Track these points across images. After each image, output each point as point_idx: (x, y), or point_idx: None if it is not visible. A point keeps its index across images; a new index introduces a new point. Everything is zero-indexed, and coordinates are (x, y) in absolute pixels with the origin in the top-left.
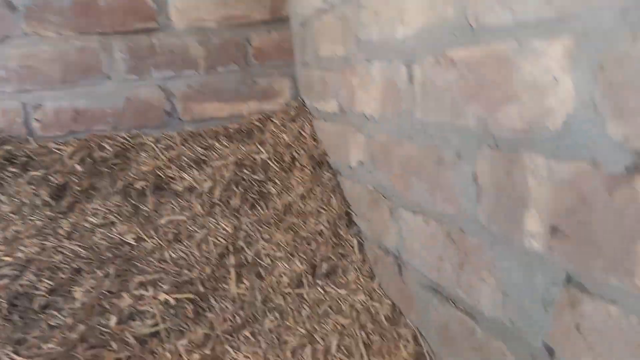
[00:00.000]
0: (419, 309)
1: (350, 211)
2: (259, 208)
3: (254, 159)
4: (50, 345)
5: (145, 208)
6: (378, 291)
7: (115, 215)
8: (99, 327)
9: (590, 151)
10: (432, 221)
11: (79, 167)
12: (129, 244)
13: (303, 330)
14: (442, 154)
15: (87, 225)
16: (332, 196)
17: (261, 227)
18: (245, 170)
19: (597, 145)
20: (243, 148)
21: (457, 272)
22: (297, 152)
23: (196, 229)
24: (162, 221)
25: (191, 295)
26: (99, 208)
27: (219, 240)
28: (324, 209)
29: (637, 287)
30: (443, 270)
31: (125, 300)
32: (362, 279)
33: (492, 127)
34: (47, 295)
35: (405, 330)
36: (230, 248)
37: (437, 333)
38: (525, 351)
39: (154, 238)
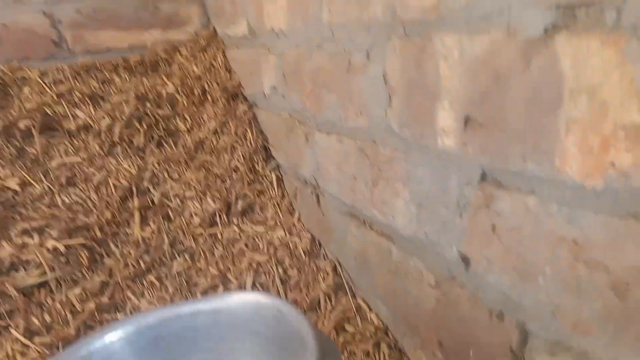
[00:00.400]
0: (337, 239)
1: (267, 145)
2: (166, 146)
3: (159, 92)
4: None
5: (32, 150)
6: (297, 225)
7: None
8: None
9: (504, 17)
10: (345, 139)
11: None
12: (11, 189)
13: (215, 271)
14: (351, 58)
15: None
16: (248, 130)
17: (169, 166)
18: (149, 105)
19: (512, 8)
20: (147, 82)
21: (371, 190)
22: (208, 85)
23: (94, 171)
24: (53, 164)
25: (85, 241)
26: None
27: (120, 182)
28: (239, 143)
29: (556, 168)
30: (358, 191)
31: (5, 250)
32: (281, 215)
33: (400, 13)
34: None
35: (324, 262)
36: (134, 190)
37: (356, 261)
38: (442, 266)
39: (43, 182)
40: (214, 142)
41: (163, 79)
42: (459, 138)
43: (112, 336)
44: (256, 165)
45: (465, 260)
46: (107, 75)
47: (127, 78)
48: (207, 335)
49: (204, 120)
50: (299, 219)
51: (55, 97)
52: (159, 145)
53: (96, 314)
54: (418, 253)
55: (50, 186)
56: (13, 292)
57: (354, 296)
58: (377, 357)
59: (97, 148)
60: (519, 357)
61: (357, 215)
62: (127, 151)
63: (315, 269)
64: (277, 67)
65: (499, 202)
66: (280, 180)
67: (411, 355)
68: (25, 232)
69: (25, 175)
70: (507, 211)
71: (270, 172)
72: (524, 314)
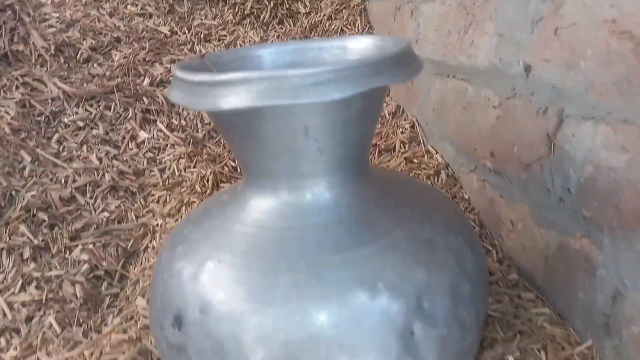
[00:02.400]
0: (420, 101)
1: (371, 32)
2: (286, 24)
3: None
4: (91, 86)
5: (180, 9)
6: (387, 98)
7: (153, 8)
8: (132, 83)
9: None
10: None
11: None
12: (163, 33)
13: None
14: None
15: (126, 11)
16: (358, 18)
17: (286, 40)
18: None
19: None
20: None
21: (461, 39)
22: None
23: (226, 34)
24: (195, 22)
25: None
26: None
27: (245, 45)
28: (347, 28)
29: None
30: (449, 44)
31: (158, 69)
32: None
33: None
34: (89, 51)
35: (404, 122)
36: None
37: (434, 111)
38: (506, 86)
39: (186, 34)
40: (327, 26)
41: None
42: None
43: (261, 51)
44: None
45: (528, 69)
46: None
47: None
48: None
49: (321, 7)
50: (388, 93)
51: None
52: (280, 22)
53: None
54: (489, 82)
55: (191, 38)
56: (161, 98)
57: (424, 145)
58: (436, 181)
59: (231, 17)
60: (552, 140)
61: (443, 71)
62: (254, 23)
63: (395, 125)
64: None
65: (565, 6)
66: None
67: (463, 179)
68: (173, 61)
69: (174, 26)
70: (569, 11)
71: None
72: (563, 101)
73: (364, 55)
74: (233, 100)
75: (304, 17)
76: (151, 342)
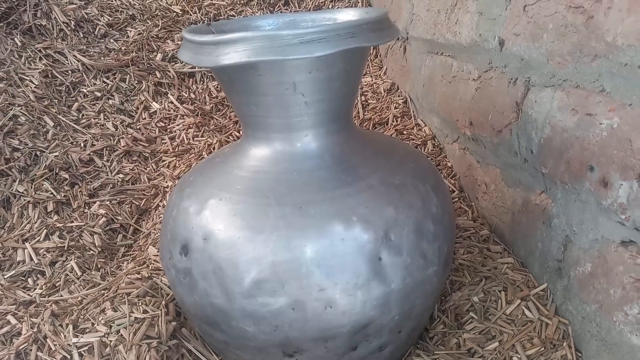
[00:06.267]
0: (413, 78)
1: None
2: (291, 5)
3: None
4: (108, 60)
5: None
6: (383, 77)
7: None
8: (146, 58)
9: None
10: None
11: None
12: (175, 12)
13: None
14: None
15: None
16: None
17: None
18: None
19: None
20: None
21: (448, 17)
22: None
23: (234, 14)
24: (205, 2)
25: None
26: None
27: None
28: None
29: None
30: (438, 22)
31: (170, 46)
32: (371, 68)
33: None
34: (106, 27)
35: (398, 98)
36: None
37: (424, 86)
38: (484, 60)
39: (196, 13)
40: (330, 7)
41: None
42: None
43: (260, 21)
44: None
45: (502, 43)
46: None
47: None
48: None
49: None
50: (385, 72)
51: None
52: (286, 3)
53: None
54: (470, 57)
55: (202, 17)
56: (173, 73)
57: (415, 118)
58: (423, 150)
59: None
60: (520, 107)
61: (433, 49)
62: (261, 4)
63: (390, 100)
64: None
65: None
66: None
67: (447, 149)
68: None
69: (185, 5)
70: None
71: None
72: (529, 71)
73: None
74: (232, 57)
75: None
76: (161, 280)
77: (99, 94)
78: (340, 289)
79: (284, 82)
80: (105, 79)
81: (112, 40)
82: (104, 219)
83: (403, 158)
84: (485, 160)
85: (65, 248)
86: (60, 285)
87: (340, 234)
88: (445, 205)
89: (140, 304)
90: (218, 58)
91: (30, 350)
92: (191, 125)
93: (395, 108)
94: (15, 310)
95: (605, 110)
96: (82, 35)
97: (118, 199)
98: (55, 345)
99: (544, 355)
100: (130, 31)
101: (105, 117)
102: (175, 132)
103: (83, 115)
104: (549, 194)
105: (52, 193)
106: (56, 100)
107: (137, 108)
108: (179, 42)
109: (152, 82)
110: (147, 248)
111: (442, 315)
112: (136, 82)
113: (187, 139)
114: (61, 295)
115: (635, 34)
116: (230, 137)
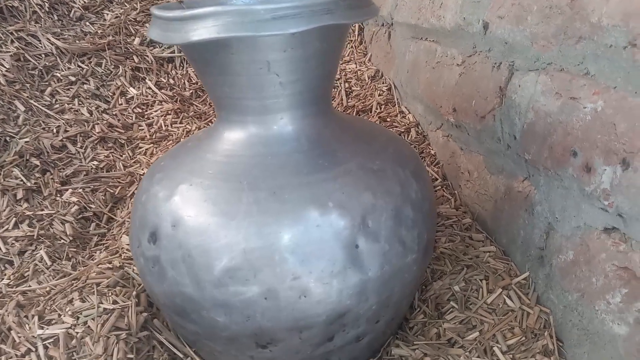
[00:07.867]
0: (397, 64)
1: None
2: None
3: None
4: (83, 43)
5: None
6: (367, 64)
7: None
8: (123, 42)
9: None
10: None
11: None
12: None
13: None
14: None
15: None
16: None
17: None
18: None
19: None
20: None
21: (433, 1)
22: None
23: None
24: None
25: None
26: None
27: None
28: None
29: None
30: (423, 7)
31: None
32: (355, 55)
33: None
34: (82, 10)
35: (382, 85)
36: None
37: (408, 72)
38: (468, 45)
39: None
40: None
41: None
42: None
43: None
44: None
45: (486, 26)
46: None
47: None
48: None
49: None
50: (369, 59)
51: None
52: None
53: None
54: (455, 42)
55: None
56: (151, 57)
57: (399, 105)
58: (406, 138)
59: None
60: (503, 92)
61: (417, 34)
62: None
63: (374, 87)
64: None
65: None
66: (361, 29)
67: (431, 137)
68: None
69: None
70: None
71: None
72: (513, 55)
73: None
74: (201, 32)
75: None
76: (133, 270)
77: (73, 79)
78: (315, 277)
79: (257, 60)
80: (80, 63)
81: (87, 24)
82: (76, 207)
83: (384, 144)
84: (469, 147)
85: (35, 237)
86: (29, 275)
87: (316, 220)
88: (426, 191)
89: (110, 294)
90: (187, 34)
91: None
92: (170, 112)
93: (380, 95)
94: None
95: (590, 93)
96: (56, 18)
97: (92, 186)
98: (19, 337)
99: (524, 345)
100: (107, 14)
101: (80, 103)
102: (153, 118)
103: (56, 100)
104: (531, 181)
105: (22, 180)
106: (28, 85)
107: (114, 93)
108: None
109: (130, 67)
110: (121, 237)
111: (423, 305)
112: (113, 66)
113: (165, 126)
114: (29, 286)
115: (620, 14)
116: (210, 123)
